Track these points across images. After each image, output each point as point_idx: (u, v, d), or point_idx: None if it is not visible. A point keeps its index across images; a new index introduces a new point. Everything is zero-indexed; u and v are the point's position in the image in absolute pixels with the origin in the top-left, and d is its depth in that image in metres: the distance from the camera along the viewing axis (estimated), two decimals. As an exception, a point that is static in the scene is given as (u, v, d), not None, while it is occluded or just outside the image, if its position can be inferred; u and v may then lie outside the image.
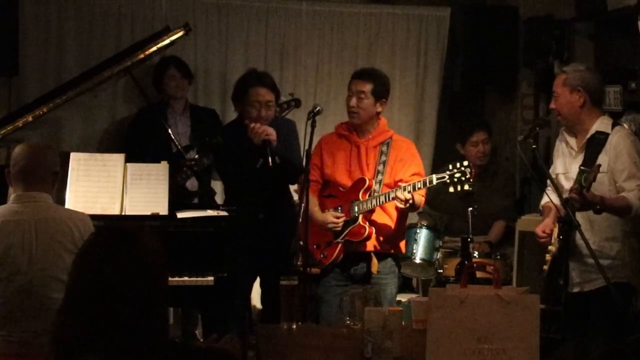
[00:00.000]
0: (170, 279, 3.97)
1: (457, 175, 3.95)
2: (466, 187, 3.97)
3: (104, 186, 4.27)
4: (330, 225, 4.26)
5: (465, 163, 3.99)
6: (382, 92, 4.30)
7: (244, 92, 4.57)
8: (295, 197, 4.95)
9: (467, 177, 3.95)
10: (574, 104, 3.88)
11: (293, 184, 4.77)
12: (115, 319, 1.94)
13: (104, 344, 1.93)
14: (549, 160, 5.83)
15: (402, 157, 4.30)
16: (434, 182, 4.00)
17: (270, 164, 4.36)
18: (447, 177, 3.97)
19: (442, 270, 5.00)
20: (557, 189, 3.86)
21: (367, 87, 4.25)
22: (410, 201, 4.04)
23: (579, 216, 3.65)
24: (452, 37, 5.99)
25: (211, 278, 4.20)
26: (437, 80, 5.95)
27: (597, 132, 3.85)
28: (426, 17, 5.92)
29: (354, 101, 4.27)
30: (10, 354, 3.27)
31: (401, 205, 4.08)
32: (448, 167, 4.02)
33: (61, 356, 1.97)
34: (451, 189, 3.99)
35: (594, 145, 3.84)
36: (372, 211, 4.23)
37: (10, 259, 3.31)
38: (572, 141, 3.97)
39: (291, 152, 4.61)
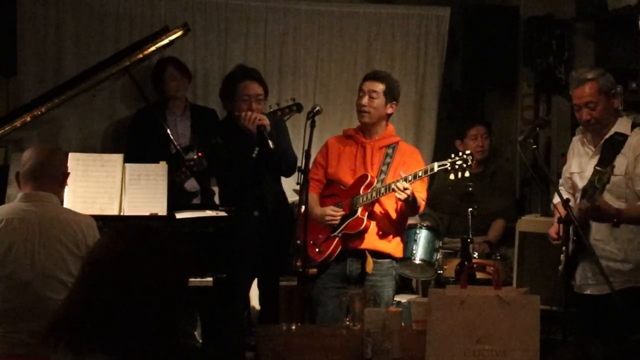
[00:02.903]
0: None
1: (459, 162, 3.97)
2: (467, 174, 3.98)
3: (102, 186, 4.26)
4: (327, 218, 4.24)
5: (468, 152, 4.02)
6: (393, 94, 4.33)
7: (233, 87, 4.58)
8: (294, 197, 4.93)
9: (469, 164, 3.96)
10: (612, 107, 3.77)
11: (288, 176, 4.75)
12: (125, 317, 1.92)
13: (110, 342, 1.91)
14: (549, 160, 5.86)
15: (405, 161, 4.30)
16: (436, 169, 4.01)
17: (272, 146, 4.37)
18: (449, 164, 3.98)
19: (442, 271, 4.98)
20: (558, 191, 3.82)
21: (380, 87, 4.28)
22: (409, 192, 4.00)
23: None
24: (452, 37, 5.97)
25: (210, 279, 4.19)
26: (437, 80, 5.93)
27: (616, 134, 3.75)
28: (426, 17, 5.90)
29: (365, 100, 4.28)
30: (8, 355, 3.26)
31: (401, 197, 4.04)
32: (450, 156, 4.03)
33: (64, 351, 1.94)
34: (452, 176, 4.00)
35: (612, 146, 3.73)
36: (372, 204, 4.21)
37: (12, 257, 3.31)
38: (590, 141, 3.87)
39: (283, 144, 4.60)
